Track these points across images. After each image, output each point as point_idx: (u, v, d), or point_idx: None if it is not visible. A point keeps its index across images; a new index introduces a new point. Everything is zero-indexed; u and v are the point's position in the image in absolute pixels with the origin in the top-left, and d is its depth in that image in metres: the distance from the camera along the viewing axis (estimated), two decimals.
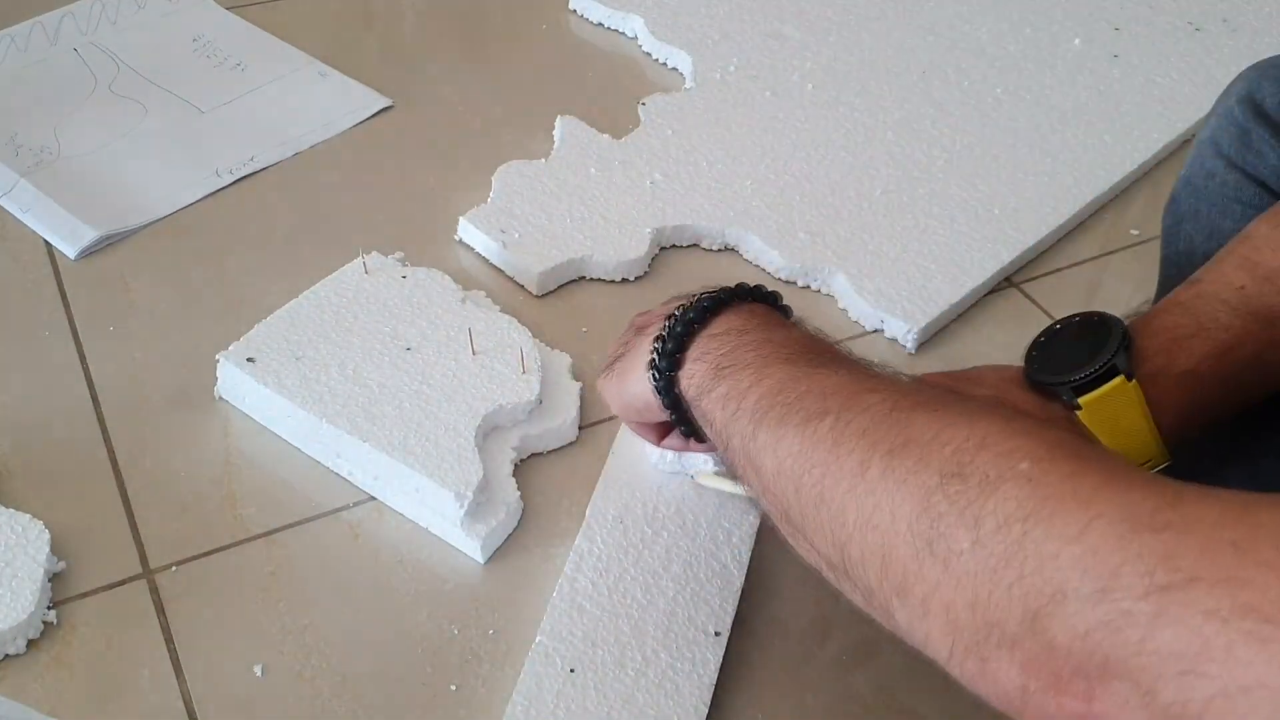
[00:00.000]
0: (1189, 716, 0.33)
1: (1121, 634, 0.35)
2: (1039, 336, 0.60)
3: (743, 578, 0.74)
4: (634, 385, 0.64)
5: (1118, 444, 0.55)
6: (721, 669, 0.69)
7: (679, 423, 0.61)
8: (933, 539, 0.41)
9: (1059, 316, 0.61)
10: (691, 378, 0.58)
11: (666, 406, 0.61)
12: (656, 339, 0.61)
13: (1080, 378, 0.55)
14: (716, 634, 0.71)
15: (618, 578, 0.73)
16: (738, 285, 0.61)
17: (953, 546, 0.40)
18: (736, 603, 0.73)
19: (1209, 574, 0.34)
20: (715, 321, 0.59)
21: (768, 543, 0.77)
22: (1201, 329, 0.56)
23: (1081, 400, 0.56)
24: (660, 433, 0.72)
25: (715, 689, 0.68)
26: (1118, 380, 0.55)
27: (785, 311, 0.63)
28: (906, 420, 0.45)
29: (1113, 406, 0.55)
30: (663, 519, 0.77)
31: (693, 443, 0.69)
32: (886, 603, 0.44)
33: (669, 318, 0.61)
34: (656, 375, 0.60)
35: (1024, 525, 0.39)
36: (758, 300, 0.61)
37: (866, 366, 0.54)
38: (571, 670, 0.68)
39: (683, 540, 0.75)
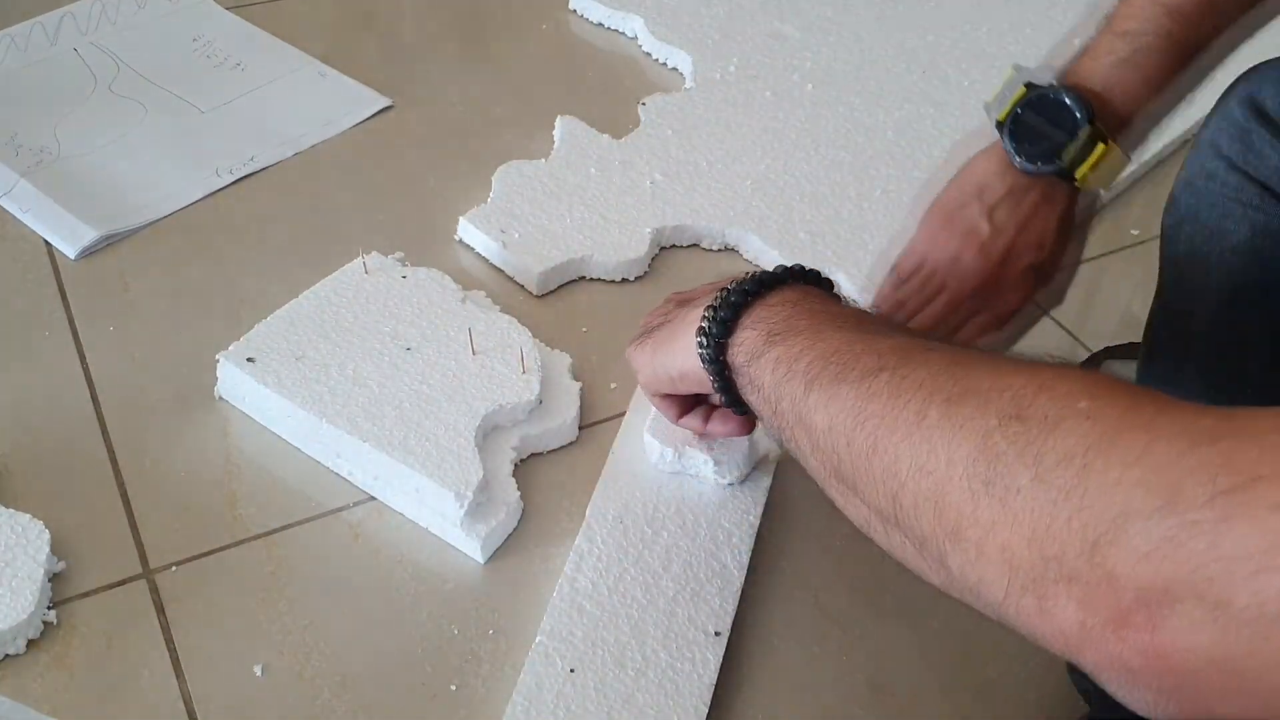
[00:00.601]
0: (1267, 617, 0.33)
1: (1185, 548, 0.35)
2: (1008, 122, 0.73)
3: (743, 578, 0.74)
4: (675, 354, 0.64)
5: (1107, 182, 0.73)
6: (721, 669, 0.69)
7: (722, 390, 0.61)
8: (990, 479, 0.41)
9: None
10: (742, 344, 0.58)
11: (712, 373, 0.60)
12: (708, 308, 0.61)
13: (1069, 161, 0.71)
14: (716, 634, 0.71)
15: (618, 578, 0.73)
16: (794, 265, 0.62)
17: (1010, 484, 0.40)
18: (737, 603, 0.73)
19: (1271, 471, 0.34)
20: (770, 295, 0.59)
21: (768, 543, 0.77)
22: (1145, 82, 0.70)
23: (1078, 174, 0.72)
24: (681, 408, 0.73)
25: (715, 689, 0.68)
26: (1100, 148, 0.70)
27: (837, 298, 0.63)
28: (965, 372, 0.45)
29: (1105, 167, 0.71)
30: (663, 519, 0.77)
31: (712, 424, 0.71)
32: (940, 549, 0.43)
33: (722, 290, 0.61)
34: (705, 340, 0.60)
35: (1084, 458, 0.38)
36: (811, 282, 0.62)
37: (922, 333, 0.55)
38: (572, 670, 0.68)
39: (683, 540, 0.76)
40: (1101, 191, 0.78)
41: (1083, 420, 0.40)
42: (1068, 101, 0.70)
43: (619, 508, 0.77)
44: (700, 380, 0.62)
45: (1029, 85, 0.73)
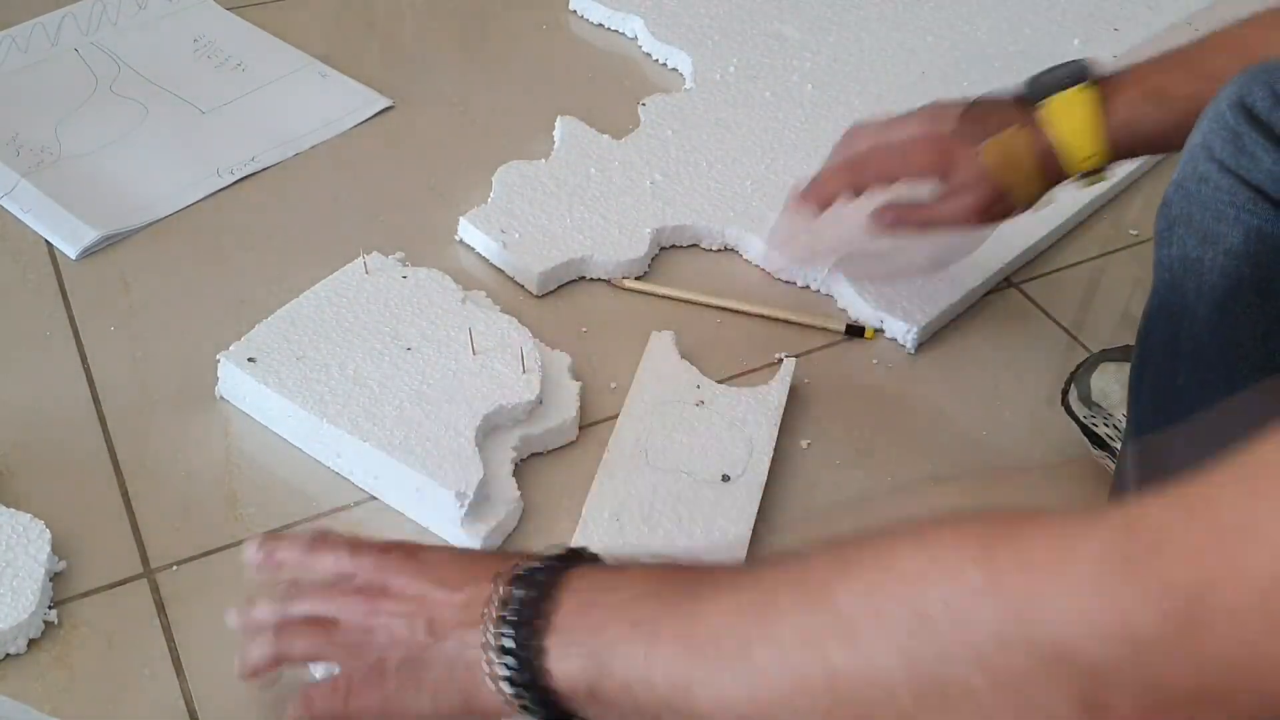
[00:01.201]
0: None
1: None
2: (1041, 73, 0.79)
3: None
4: (477, 687, 0.52)
5: (1064, 141, 0.77)
6: None
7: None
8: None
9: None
10: (569, 681, 0.49)
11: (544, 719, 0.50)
12: (494, 651, 0.50)
13: (1051, 81, 0.77)
14: None
15: None
16: (544, 559, 0.53)
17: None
18: None
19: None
20: (555, 613, 0.50)
21: (764, 540, 0.77)
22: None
23: (1049, 100, 0.77)
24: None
25: None
26: (1082, 86, 0.75)
27: (596, 559, 0.54)
28: (830, 603, 0.43)
29: (1071, 107, 0.76)
30: (659, 516, 0.77)
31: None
32: None
33: (493, 621, 0.51)
34: (518, 692, 0.50)
35: None
36: (571, 564, 0.53)
37: (731, 570, 0.50)
38: None
39: (679, 538, 0.76)
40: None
41: (987, 595, 0.40)
42: (1084, 63, 0.76)
43: (615, 505, 0.77)
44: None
45: (1076, 61, 0.78)
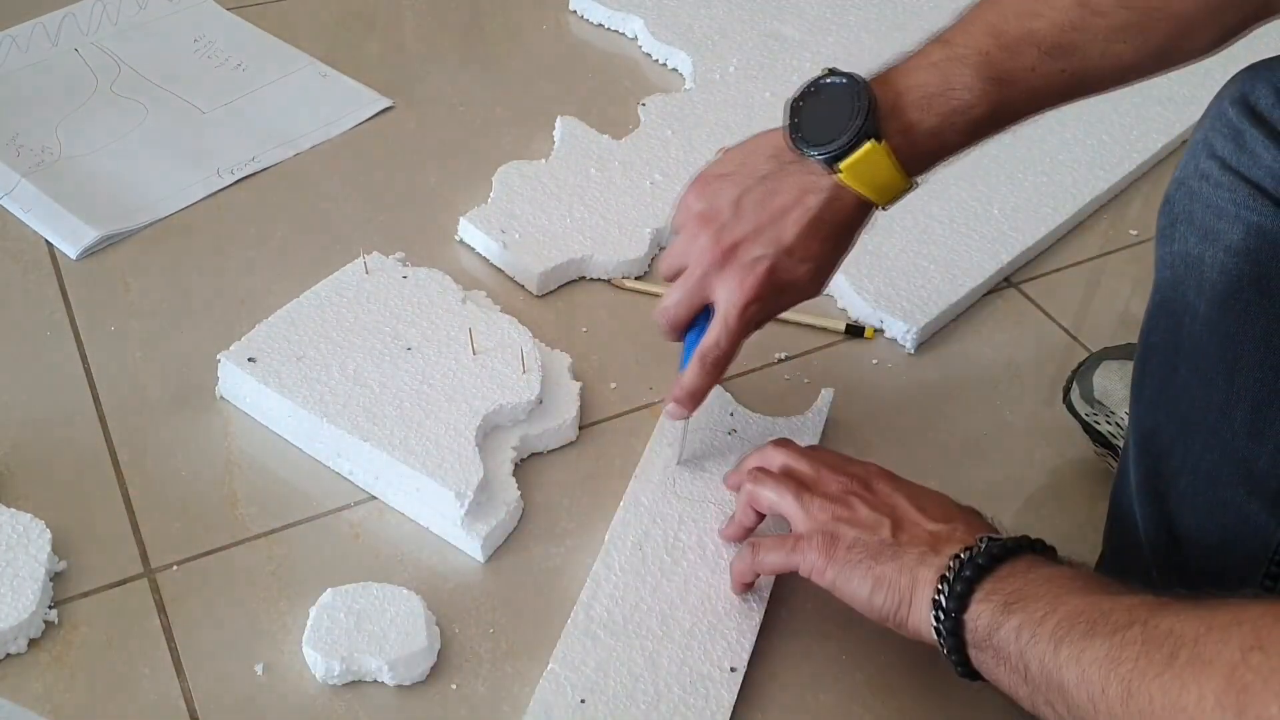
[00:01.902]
0: None
1: None
2: (796, 100, 0.70)
3: (763, 612, 0.72)
4: (901, 609, 0.63)
5: (874, 192, 0.69)
6: (736, 706, 0.68)
7: (957, 661, 0.60)
8: (1241, 709, 0.44)
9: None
10: (978, 618, 0.58)
11: (950, 647, 0.60)
12: (940, 580, 0.60)
13: (837, 149, 0.67)
14: (732, 670, 0.69)
15: (634, 606, 0.72)
16: (1021, 536, 0.62)
17: (1262, 714, 0.43)
18: (755, 638, 0.71)
19: None
20: (999, 569, 0.60)
21: (790, 576, 0.72)
22: (948, 88, 0.68)
23: (841, 165, 0.67)
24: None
25: None
26: (869, 145, 0.67)
27: (1061, 561, 0.63)
28: (1209, 613, 0.48)
29: (868, 166, 0.67)
30: (683, 547, 0.75)
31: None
32: None
33: (954, 559, 0.61)
34: (941, 615, 0.60)
35: None
36: (1037, 552, 0.62)
37: (1156, 590, 0.56)
38: (582, 701, 0.67)
39: (702, 570, 0.74)
40: (879, 208, 0.71)
41: None
42: (852, 91, 0.67)
43: (639, 534, 0.76)
44: (937, 643, 0.61)
45: (830, 70, 0.70)
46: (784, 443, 0.74)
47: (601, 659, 0.69)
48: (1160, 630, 0.49)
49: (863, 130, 0.67)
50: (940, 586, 0.60)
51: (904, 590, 0.63)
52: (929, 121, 0.68)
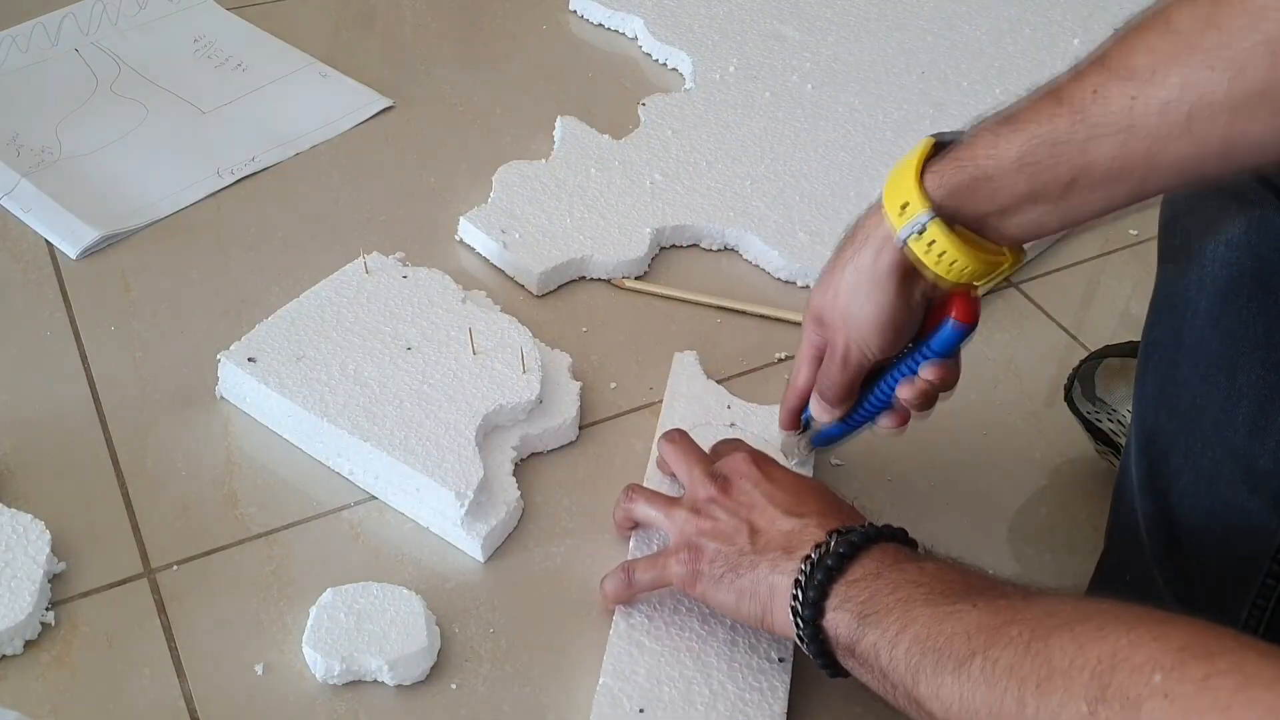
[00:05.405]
0: None
1: None
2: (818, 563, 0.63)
3: None
4: (764, 613, 0.64)
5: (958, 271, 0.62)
6: (791, 693, 0.68)
7: (822, 664, 0.61)
8: None
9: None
10: (836, 627, 0.59)
11: (812, 652, 0.61)
12: (795, 584, 0.61)
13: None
14: (780, 660, 0.69)
15: (673, 609, 0.72)
16: (866, 526, 0.62)
17: None
18: None
19: None
20: (851, 569, 0.60)
21: None
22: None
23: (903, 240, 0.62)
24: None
25: (788, 715, 0.67)
26: (931, 229, 0.61)
27: (912, 544, 0.64)
28: (1045, 649, 0.47)
29: (933, 253, 0.62)
30: None
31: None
32: None
33: (805, 561, 0.61)
34: (800, 623, 0.61)
35: None
36: (887, 540, 0.62)
37: (1000, 590, 0.55)
38: (641, 710, 0.67)
39: None
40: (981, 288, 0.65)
41: (1161, 700, 0.41)
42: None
43: (663, 536, 0.75)
44: (801, 646, 0.62)
45: (934, 146, 0.63)
46: (672, 439, 0.77)
47: (651, 666, 0.69)
48: (1000, 667, 0.49)
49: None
50: (795, 593, 0.61)
51: (764, 599, 0.64)
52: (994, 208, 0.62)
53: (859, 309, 0.67)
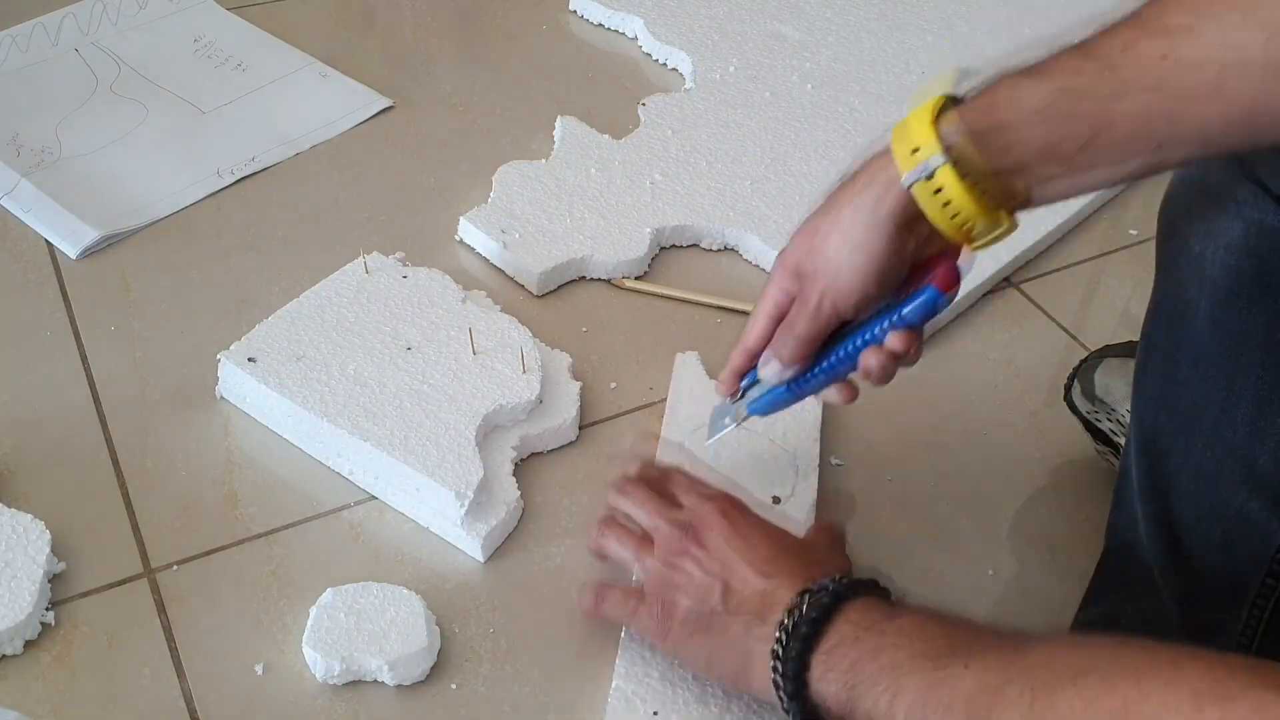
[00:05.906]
0: None
1: None
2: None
3: None
4: (740, 678, 0.62)
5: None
6: None
7: None
8: None
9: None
10: (825, 699, 0.57)
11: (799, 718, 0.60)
12: (773, 655, 0.59)
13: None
14: None
15: None
16: (836, 581, 0.60)
17: None
18: None
19: None
20: (827, 635, 0.58)
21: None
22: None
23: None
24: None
25: None
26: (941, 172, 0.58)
27: (885, 594, 0.62)
28: (1051, 709, 0.46)
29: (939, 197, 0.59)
30: None
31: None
32: None
33: (779, 628, 0.59)
34: (783, 697, 0.59)
35: None
36: (857, 595, 0.60)
37: (984, 641, 0.54)
38: (655, 713, 0.66)
39: None
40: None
41: None
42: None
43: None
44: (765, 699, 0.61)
45: (949, 98, 0.62)
46: (624, 490, 0.72)
47: (664, 668, 0.69)
48: None
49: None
50: (774, 664, 0.59)
51: (736, 664, 0.62)
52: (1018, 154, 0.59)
53: (848, 255, 0.64)
